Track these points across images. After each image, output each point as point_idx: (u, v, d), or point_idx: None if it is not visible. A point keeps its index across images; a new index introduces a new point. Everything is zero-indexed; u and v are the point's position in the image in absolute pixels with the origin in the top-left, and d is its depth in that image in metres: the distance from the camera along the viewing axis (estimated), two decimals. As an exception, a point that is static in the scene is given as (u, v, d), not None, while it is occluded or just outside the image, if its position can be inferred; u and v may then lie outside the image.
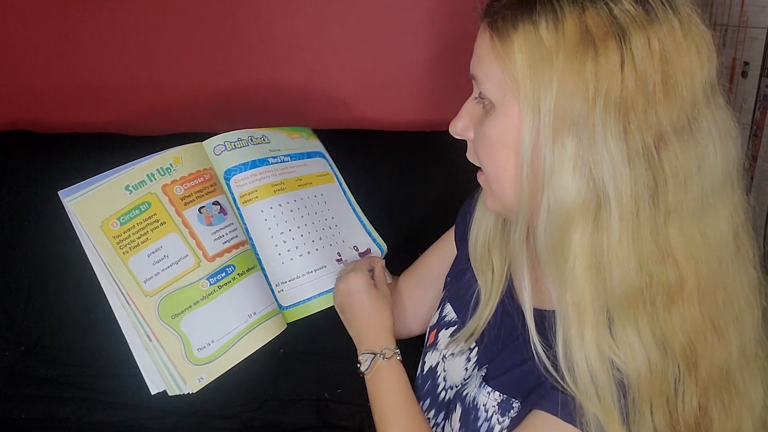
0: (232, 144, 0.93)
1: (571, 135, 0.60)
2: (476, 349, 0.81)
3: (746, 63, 1.08)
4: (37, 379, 1.39)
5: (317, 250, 0.95)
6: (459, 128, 0.72)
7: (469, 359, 0.82)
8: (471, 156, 0.72)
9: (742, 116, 1.08)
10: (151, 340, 0.82)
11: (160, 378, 0.83)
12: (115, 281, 0.82)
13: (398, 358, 0.84)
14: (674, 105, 0.59)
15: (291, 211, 0.95)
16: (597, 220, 0.60)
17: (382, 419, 0.82)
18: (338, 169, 1.08)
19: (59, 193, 0.84)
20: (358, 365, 0.85)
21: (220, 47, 1.56)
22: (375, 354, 0.84)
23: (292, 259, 0.93)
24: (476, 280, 0.83)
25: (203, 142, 0.92)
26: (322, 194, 1.00)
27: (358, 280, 0.89)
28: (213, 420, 1.34)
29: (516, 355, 0.73)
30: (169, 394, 0.83)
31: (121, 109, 1.60)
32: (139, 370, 0.84)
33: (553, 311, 0.65)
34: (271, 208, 0.94)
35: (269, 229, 0.93)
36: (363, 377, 0.85)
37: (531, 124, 0.61)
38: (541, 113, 0.61)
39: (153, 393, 0.84)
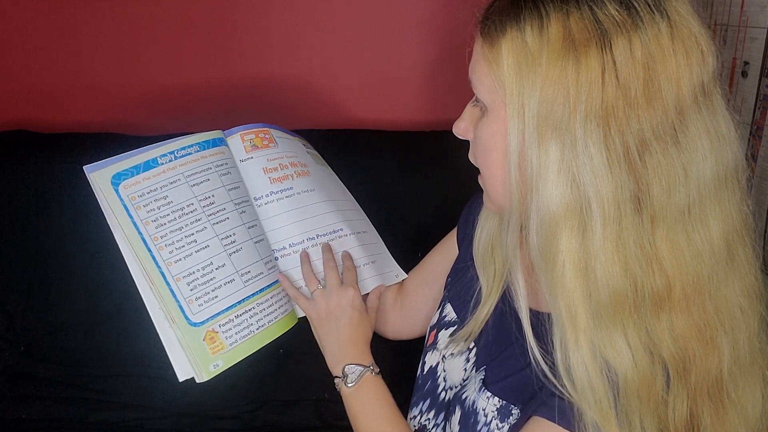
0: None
1: (554, 140, 0.60)
2: (475, 349, 0.82)
3: (746, 63, 1.08)
4: (38, 380, 1.39)
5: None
6: (461, 129, 0.73)
7: (468, 360, 0.82)
8: (471, 157, 0.74)
9: (742, 116, 1.08)
10: (174, 323, 0.80)
11: (189, 364, 0.81)
12: (136, 257, 0.80)
13: (379, 374, 0.85)
14: (656, 111, 0.59)
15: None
16: (582, 225, 0.60)
17: (380, 425, 0.82)
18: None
19: (84, 167, 0.81)
20: (341, 378, 0.84)
21: (220, 47, 1.56)
22: (364, 367, 0.85)
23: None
24: (477, 281, 0.83)
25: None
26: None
27: (357, 296, 0.89)
28: (213, 420, 1.34)
29: (514, 361, 0.73)
30: (197, 381, 0.81)
31: (120, 109, 1.60)
32: (159, 363, 0.81)
33: (549, 314, 0.66)
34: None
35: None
36: (341, 393, 0.85)
37: (516, 128, 0.62)
38: (525, 117, 0.61)
39: (181, 380, 0.81)
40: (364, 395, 0.84)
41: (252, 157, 0.92)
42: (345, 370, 0.84)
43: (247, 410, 1.36)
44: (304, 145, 1.02)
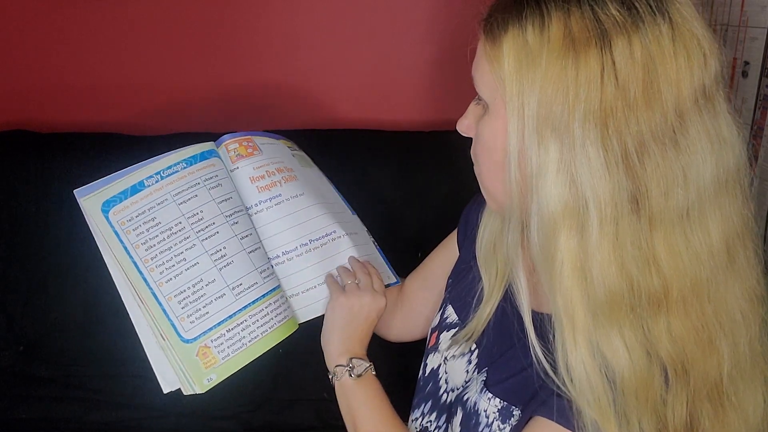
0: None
1: (553, 139, 0.60)
2: (476, 351, 0.82)
3: (746, 63, 1.08)
4: (37, 380, 1.39)
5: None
6: (464, 126, 0.73)
7: (470, 361, 0.82)
8: (473, 153, 0.73)
9: (743, 117, 1.08)
10: (164, 340, 0.81)
11: (175, 377, 0.82)
12: (128, 279, 0.82)
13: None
14: (655, 113, 0.58)
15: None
16: (580, 225, 0.60)
17: (381, 420, 0.83)
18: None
19: (75, 192, 0.83)
20: (344, 367, 0.85)
21: (220, 47, 1.56)
22: (369, 364, 0.86)
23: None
24: (478, 282, 0.83)
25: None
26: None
27: (383, 308, 0.90)
28: (212, 420, 1.34)
29: (515, 362, 0.73)
30: (185, 393, 0.82)
31: (120, 109, 1.60)
32: (151, 369, 0.82)
33: (550, 314, 0.66)
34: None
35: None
36: (339, 382, 0.85)
37: (516, 127, 0.62)
38: (525, 116, 0.61)
39: (165, 392, 0.82)
40: (367, 388, 0.85)
41: (238, 167, 0.92)
42: (352, 361, 0.85)
43: (246, 410, 1.36)
44: (290, 147, 1.01)
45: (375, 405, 0.84)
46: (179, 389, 0.82)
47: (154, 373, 0.83)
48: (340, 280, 0.93)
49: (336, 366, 0.86)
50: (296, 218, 0.92)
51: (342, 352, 0.86)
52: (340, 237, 0.95)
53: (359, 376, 0.84)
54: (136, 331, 0.83)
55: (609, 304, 0.61)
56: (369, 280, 0.92)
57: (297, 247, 0.92)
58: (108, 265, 0.83)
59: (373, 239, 1.03)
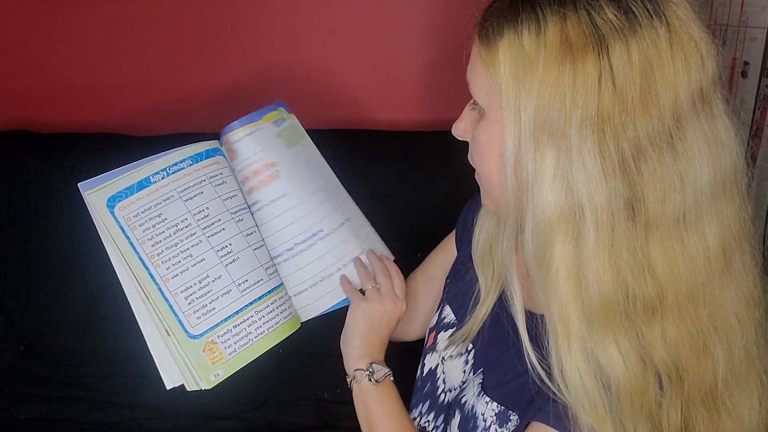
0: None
1: (549, 146, 0.59)
2: (473, 351, 0.82)
3: (746, 63, 1.08)
4: (37, 379, 1.39)
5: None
6: (460, 130, 0.73)
7: (467, 362, 0.82)
8: (470, 158, 0.73)
9: (742, 117, 1.08)
10: (169, 335, 0.81)
11: (178, 373, 0.82)
12: (133, 274, 0.82)
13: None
14: (653, 118, 0.58)
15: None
16: (576, 231, 0.60)
17: (397, 427, 0.83)
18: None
19: (79, 185, 0.83)
20: (364, 371, 0.85)
21: (220, 47, 1.56)
22: (387, 369, 0.86)
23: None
24: (476, 282, 0.83)
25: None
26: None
27: (403, 313, 0.91)
28: (212, 420, 1.34)
29: (512, 365, 0.72)
30: (188, 389, 0.82)
31: (121, 109, 1.60)
32: (153, 368, 0.82)
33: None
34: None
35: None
36: (357, 386, 0.86)
37: (513, 133, 0.62)
38: (522, 122, 0.60)
39: (168, 388, 0.83)
40: (385, 393, 0.85)
41: (234, 169, 0.92)
42: (372, 366, 0.86)
43: (246, 411, 1.36)
44: (274, 122, 0.97)
45: (392, 411, 0.84)
46: (182, 385, 0.82)
47: (154, 373, 0.83)
48: (360, 283, 0.92)
49: (356, 370, 0.86)
50: (278, 223, 0.91)
51: (362, 356, 0.87)
52: (327, 234, 0.94)
53: (378, 381, 0.85)
54: (137, 329, 0.83)
55: (604, 311, 0.61)
56: (390, 284, 0.91)
57: (282, 253, 0.91)
58: (112, 260, 0.83)
59: (364, 218, 1.01)
